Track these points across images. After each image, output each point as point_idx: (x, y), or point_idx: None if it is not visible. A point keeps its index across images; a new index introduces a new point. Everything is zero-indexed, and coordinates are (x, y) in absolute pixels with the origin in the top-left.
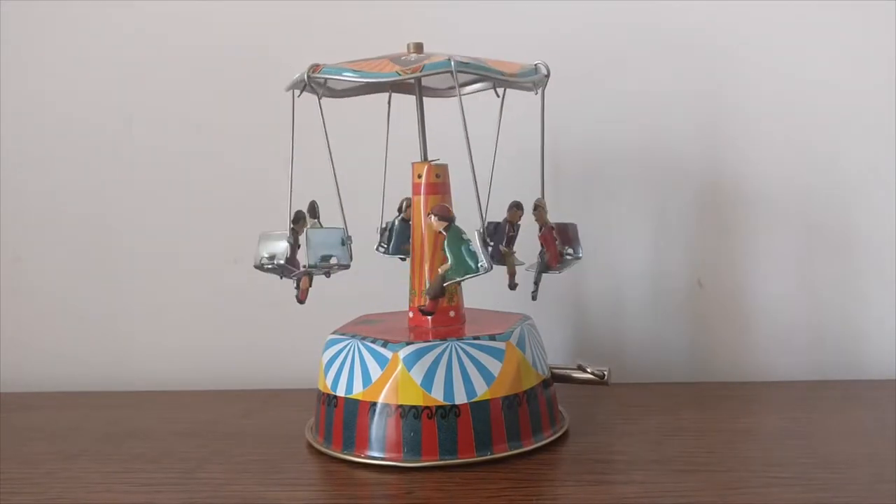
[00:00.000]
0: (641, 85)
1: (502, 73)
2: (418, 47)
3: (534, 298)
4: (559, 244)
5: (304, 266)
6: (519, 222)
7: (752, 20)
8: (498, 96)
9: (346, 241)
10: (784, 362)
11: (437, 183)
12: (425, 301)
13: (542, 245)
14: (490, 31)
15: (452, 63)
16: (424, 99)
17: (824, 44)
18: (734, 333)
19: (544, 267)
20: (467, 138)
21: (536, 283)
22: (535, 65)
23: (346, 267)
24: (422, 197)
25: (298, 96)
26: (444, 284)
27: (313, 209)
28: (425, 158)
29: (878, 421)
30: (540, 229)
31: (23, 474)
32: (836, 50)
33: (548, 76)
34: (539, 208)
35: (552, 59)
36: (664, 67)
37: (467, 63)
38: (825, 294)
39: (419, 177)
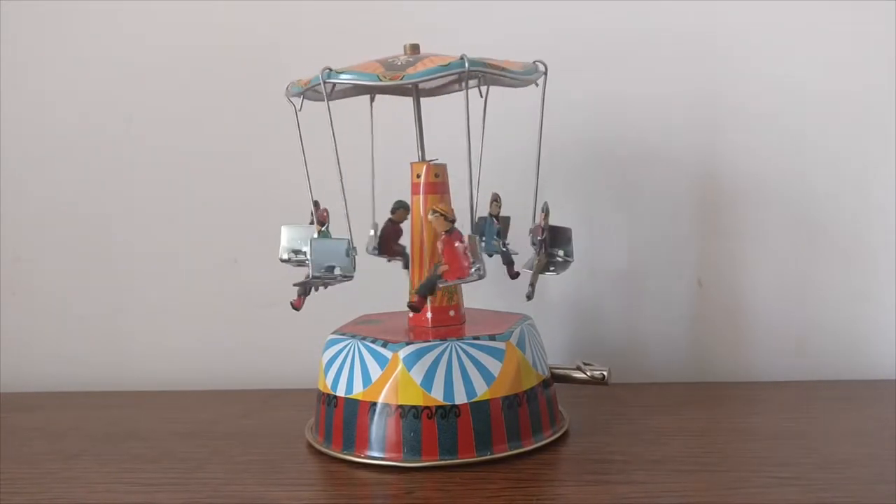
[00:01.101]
0: (641, 85)
1: (379, 79)
2: (414, 48)
3: (415, 310)
4: (474, 260)
5: (308, 276)
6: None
7: (751, 20)
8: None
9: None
10: (784, 362)
11: (437, 182)
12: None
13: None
14: (490, 30)
15: (321, 76)
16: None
17: (824, 43)
18: (734, 333)
19: (437, 277)
20: (335, 145)
21: (423, 293)
22: (461, 57)
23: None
24: (420, 197)
25: (300, 109)
26: (295, 284)
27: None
28: (423, 158)
29: (878, 421)
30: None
31: (23, 474)
32: (836, 49)
33: (466, 71)
34: (435, 213)
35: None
36: (664, 67)
37: (341, 72)
38: (825, 294)
39: (418, 176)
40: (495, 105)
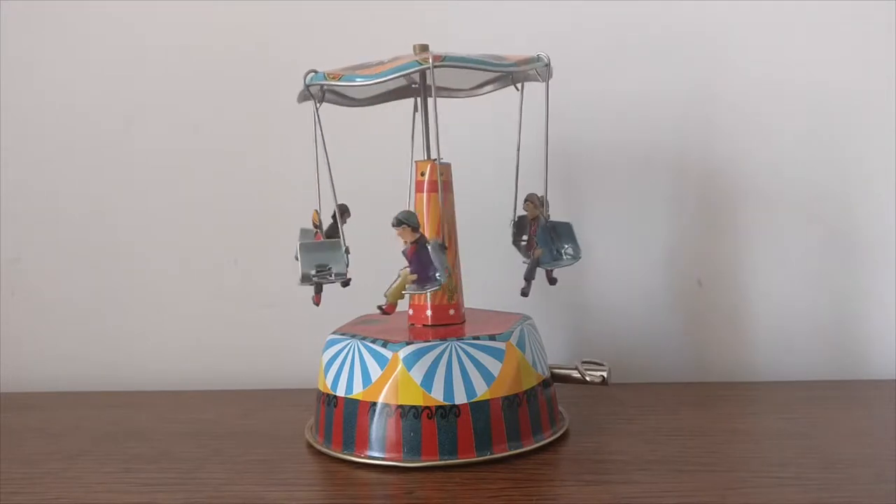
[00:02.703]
0: (640, 83)
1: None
2: (423, 48)
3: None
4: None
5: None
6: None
7: (754, 18)
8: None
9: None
10: (784, 362)
11: (440, 181)
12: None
13: None
14: (490, 30)
15: (305, 84)
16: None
17: (825, 40)
18: (734, 333)
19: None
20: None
21: (317, 291)
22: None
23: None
24: (424, 195)
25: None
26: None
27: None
28: (429, 157)
29: (878, 421)
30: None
31: (23, 474)
32: (837, 46)
33: (306, 87)
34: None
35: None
36: (664, 66)
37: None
38: (825, 293)
39: (422, 174)
40: (496, 104)
